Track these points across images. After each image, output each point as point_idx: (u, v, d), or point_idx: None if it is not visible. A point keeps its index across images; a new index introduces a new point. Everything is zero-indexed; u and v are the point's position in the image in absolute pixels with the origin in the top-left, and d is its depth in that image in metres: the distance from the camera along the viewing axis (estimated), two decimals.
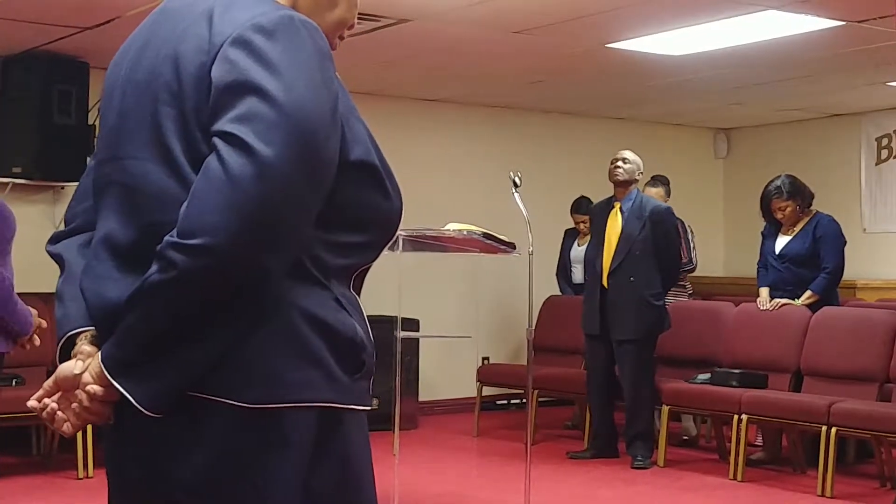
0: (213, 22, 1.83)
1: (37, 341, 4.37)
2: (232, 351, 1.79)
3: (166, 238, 1.74)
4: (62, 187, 7.80)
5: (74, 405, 1.86)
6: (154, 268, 1.75)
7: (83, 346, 1.90)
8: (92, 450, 6.49)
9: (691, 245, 8.12)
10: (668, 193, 8.17)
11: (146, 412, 1.79)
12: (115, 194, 1.91)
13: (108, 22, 6.48)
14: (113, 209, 1.91)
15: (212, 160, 1.74)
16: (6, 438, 6.91)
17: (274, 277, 1.79)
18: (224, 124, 1.74)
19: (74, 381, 1.85)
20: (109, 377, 1.80)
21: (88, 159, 7.80)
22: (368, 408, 1.94)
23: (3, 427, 6.50)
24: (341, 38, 2.07)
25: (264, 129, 1.72)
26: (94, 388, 1.82)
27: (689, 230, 8.18)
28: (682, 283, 8.12)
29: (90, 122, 7.70)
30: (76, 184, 7.25)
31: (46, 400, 1.89)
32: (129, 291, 1.79)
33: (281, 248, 1.77)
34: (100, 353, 1.83)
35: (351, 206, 1.89)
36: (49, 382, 1.90)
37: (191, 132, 1.80)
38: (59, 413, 1.88)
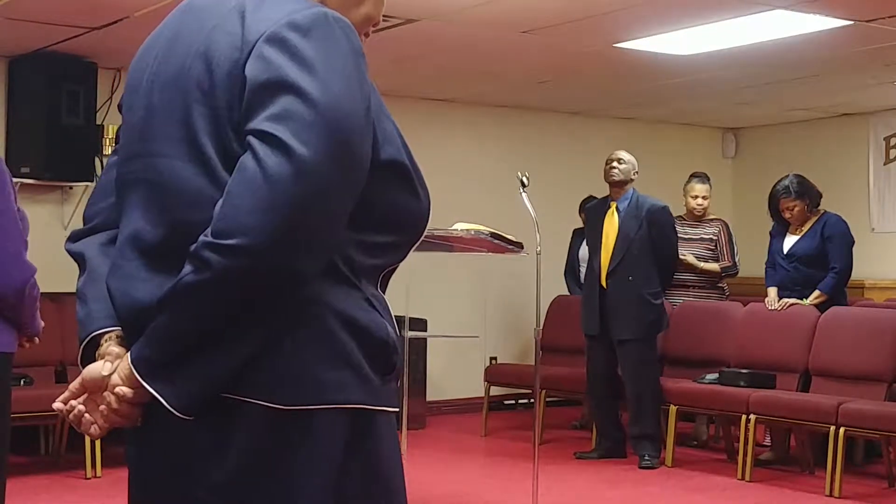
0: (245, 18, 1.80)
1: (36, 340, 4.39)
2: (265, 352, 1.76)
3: (201, 238, 1.71)
4: (70, 187, 7.81)
5: (102, 407, 1.82)
6: (188, 268, 1.72)
7: (111, 347, 1.87)
8: (100, 450, 6.50)
9: (735, 249, 7.99)
10: (709, 187, 8.08)
11: (178, 414, 1.76)
12: (142, 192, 1.87)
13: (116, 22, 6.49)
14: (140, 207, 1.87)
15: (248, 159, 1.71)
16: (15, 438, 6.90)
17: (308, 278, 1.76)
18: (260, 123, 1.72)
19: (102, 383, 1.82)
20: (140, 379, 1.77)
21: (102, 159, 7.86)
22: (397, 409, 1.93)
23: (11, 427, 6.51)
24: (366, 35, 2.05)
25: (301, 129, 1.70)
26: (124, 389, 1.79)
27: (732, 234, 8.04)
28: (720, 285, 8.01)
29: (98, 122, 7.72)
30: (85, 184, 7.28)
31: (73, 402, 1.86)
32: (158, 291, 1.77)
33: (316, 249, 1.75)
34: (129, 354, 1.80)
35: (382, 205, 1.87)
36: (75, 384, 1.86)
37: (223, 130, 1.78)
38: (86, 416, 1.85)
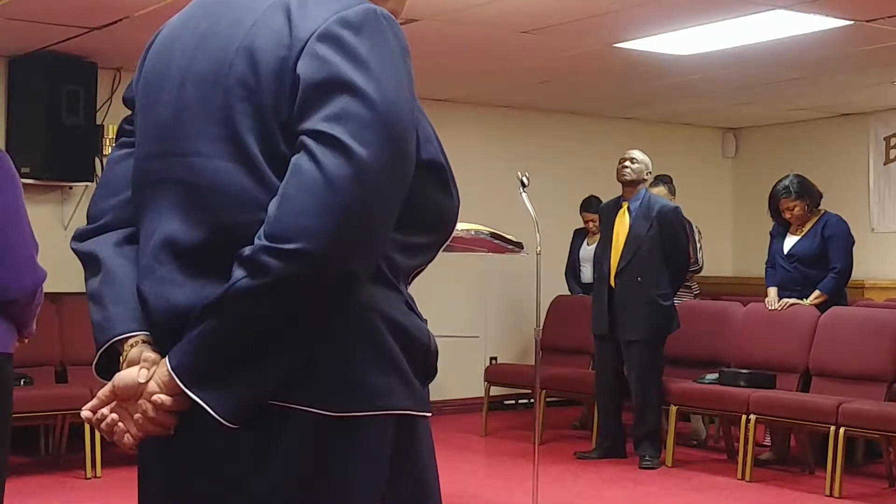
0: (291, 15, 1.74)
1: (26, 340, 4.40)
2: (314, 358, 1.71)
3: (256, 241, 1.65)
4: (70, 187, 7.81)
5: (137, 416, 1.74)
6: (240, 272, 1.65)
7: (146, 352, 1.76)
8: (100, 450, 6.50)
9: (698, 246, 8.11)
10: (671, 192, 8.15)
11: (225, 423, 1.68)
12: (174, 193, 1.79)
13: (116, 22, 6.49)
14: (172, 208, 1.78)
15: (303, 160, 1.65)
16: (15, 438, 6.89)
17: (362, 282, 1.71)
18: (316, 123, 1.66)
19: (137, 391, 1.73)
20: (183, 387, 1.68)
21: (102, 159, 7.84)
22: (430, 414, 1.89)
23: (11, 427, 6.50)
24: None
25: (359, 129, 1.65)
26: (162, 397, 1.70)
27: (696, 231, 8.16)
28: (688, 283, 8.11)
29: (98, 122, 7.72)
30: (85, 184, 7.28)
31: (104, 410, 1.78)
32: (197, 295, 1.70)
33: (371, 252, 1.71)
34: (167, 360, 1.71)
35: (422, 206, 1.82)
36: (105, 391, 1.78)
37: (269, 129, 1.72)
38: (119, 424, 1.76)
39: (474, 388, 8.87)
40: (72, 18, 6.53)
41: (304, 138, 1.67)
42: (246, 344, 1.68)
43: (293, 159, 1.67)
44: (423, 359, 1.84)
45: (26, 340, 4.26)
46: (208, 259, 1.73)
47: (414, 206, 1.79)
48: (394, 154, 1.68)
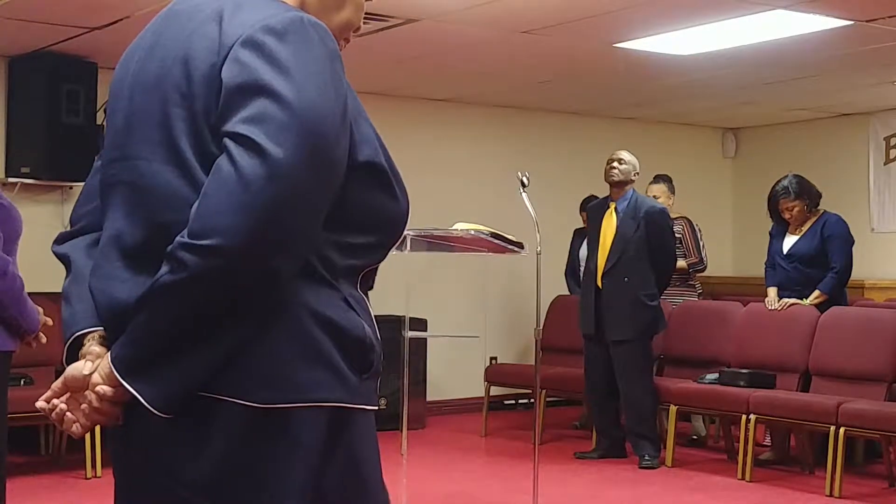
0: (223, 23, 1.83)
1: (43, 339, 4.40)
2: (242, 351, 1.79)
3: (177, 239, 1.74)
4: (70, 187, 7.80)
5: (84, 406, 1.85)
6: (165, 268, 1.75)
7: (92, 346, 1.89)
8: (100, 450, 6.50)
9: (701, 245, 8.11)
10: (671, 191, 8.15)
11: (156, 412, 1.78)
12: (122, 194, 1.90)
13: (116, 22, 6.49)
14: (121, 209, 1.90)
15: (223, 161, 1.74)
16: (15, 438, 6.90)
17: (284, 278, 1.79)
18: (235, 125, 1.74)
19: (84, 382, 1.84)
20: (119, 378, 1.79)
21: (95, 159, 7.84)
22: (376, 408, 1.95)
23: (11, 427, 6.50)
24: (347, 40, 2.08)
25: (275, 131, 1.72)
26: (104, 388, 1.81)
27: (698, 230, 8.17)
28: (691, 282, 8.13)
29: (98, 122, 7.72)
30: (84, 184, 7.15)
31: (55, 401, 1.88)
32: (138, 291, 1.79)
33: (291, 250, 1.77)
34: (109, 353, 1.83)
35: (359, 207, 1.90)
36: (58, 383, 1.89)
37: (200, 133, 1.80)
38: (68, 414, 1.88)
39: (474, 388, 8.87)
40: (72, 18, 6.53)
41: (225, 140, 1.75)
42: (173, 336, 1.77)
43: (216, 161, 1.76)
44: (358, 352, 1.89)
45: (39, 337, 4.26)
46: (148, 256, 1.81)
47: (349, 206, 1.87)
48: (312, 155, 1.74)
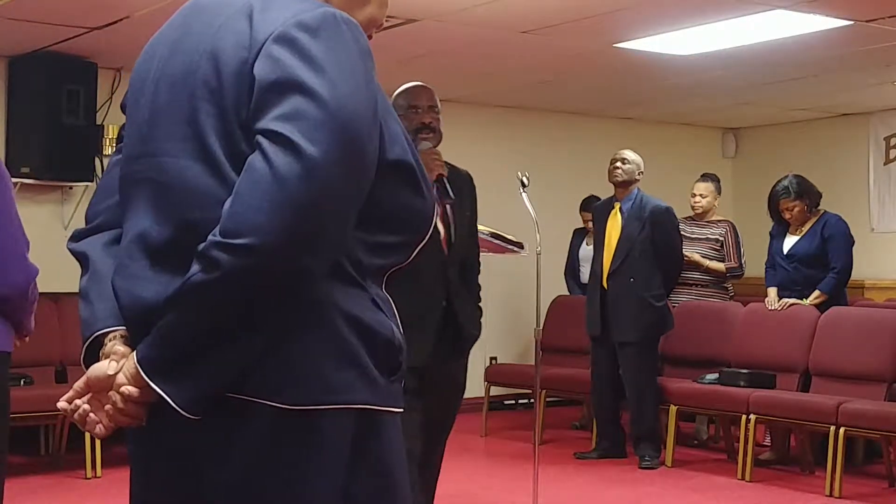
0: (253, 18, 1.80)
1: (27, 339, 4.40)
2: (271, 352, 1.76)
3: (210, 237, 1.71)
4: (70, 187, 7.81)
5: (108, 407, 1.81)
6: (196, 267, 1.71)
7: (116, 346, 1.85)
8: (100, 450, 6.50)
9: (741, 251, 7.95)
10: (718, 191, 8.05)
11: (184, 414, 1.75)
12: (147, 192, 1.86)
13: (116, 22, 6.49)
14: (146, 207, 1.86)
15: (256, 158, 1.71)
16: (15, 438, 6.90)
17: (315, 278, 1.76)
18: (269, 122, 1.72)
19: (108, 382, 1.80)
20: (146, 378, 1.75)
21: (102, 159, 7.86)
22: (402, 410, 1.92)
23: (11, 426, 6.50)
24: (370, 37, 2.04)
25: (310, 128, 1.70)
26: (130, 389, 1.78)
27: (739, 236, 7.96)
28: (725, 285, 7.95)
29: (98, 122, 7.72)
30: (85, 184, 7.27)
31: (78, 401, 1.84)
32: (164, 291, 1.76)
33: (324, 249, 1.75)
34: (135, 353, 1.79)
35: (388, 206, 1.87)
36: (80, 383, 1.85)
37: (230, 129, 1.78)
38: (91, 415, 1.83)
39: (474, 388, 8.83)
40: (72, 18, 6.53)
41: (258, 137, 1.73)
42: (203, 336, 1.74)
43: (249, 158, 1.73)
44: (387, 354, 1.87)
45: (27, 339, 4.27)
46: (176, 255, 1.78)
47: (379, 205, 1.84)
48: (346, 153, 1.72)
